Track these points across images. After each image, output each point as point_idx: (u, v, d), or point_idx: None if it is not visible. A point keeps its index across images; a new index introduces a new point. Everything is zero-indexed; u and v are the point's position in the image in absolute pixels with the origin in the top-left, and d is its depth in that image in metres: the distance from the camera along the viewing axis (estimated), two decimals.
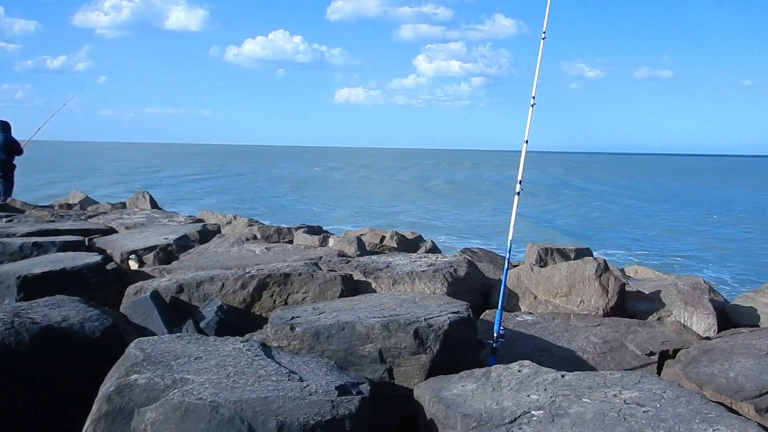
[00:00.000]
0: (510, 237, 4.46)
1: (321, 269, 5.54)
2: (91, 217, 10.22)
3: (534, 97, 4.55)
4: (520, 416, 2.95)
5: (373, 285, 5.52)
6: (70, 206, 12.78)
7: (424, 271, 5.64)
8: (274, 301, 5.11)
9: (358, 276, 5.62)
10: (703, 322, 5.22)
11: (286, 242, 8.30)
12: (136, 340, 3.55)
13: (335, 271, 5.54)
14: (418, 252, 8.82)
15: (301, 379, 3.10)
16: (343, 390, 3.02)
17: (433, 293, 5.24)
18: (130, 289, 5.13)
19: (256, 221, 10.86)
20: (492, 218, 34.11)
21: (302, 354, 3.70)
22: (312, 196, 47.24)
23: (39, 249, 6.44)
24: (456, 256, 6.94)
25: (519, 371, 3.50)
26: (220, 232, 8.56)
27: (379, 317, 3.94)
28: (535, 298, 5.75)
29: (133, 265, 6.70)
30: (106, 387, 3.02)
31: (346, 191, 52.65)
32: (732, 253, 24.59)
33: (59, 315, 3.99)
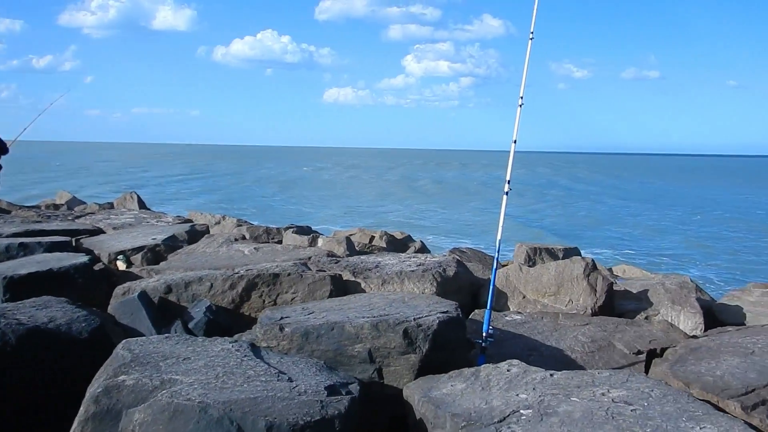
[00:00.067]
0: (499, 237, 4.48)
1: (310, 269, 5.53)
2: (78, 217, 10.15)
3: (522, 98, 4.56)
4: (509, 415, 2.96)
5: (363, 285, 5.52)
6: (56, 206, 12.69)
7: (413, 271, 5.65)
8: (263, 301, 5.10)
9: (347, 276, 5.62)
10: (690, 321, 5.26)
11: (275, 242, 8.28)
12: (124, 340, 3.53)
13: (324, 271, 5.53)
14: (408, 252, 8.83)
15: (290, 380, 3.09)
16: (332, 390, 3.02)
17: (423, 293, 5.25)
18: (118, 290, 5.10)
19: (245, 221, 10.83)
20: (479, 218, 34.21)
21: (291, 354, 3.69)
22: (300, 196, 47.15)
23: (25, 250, 6.39)
24: (445, 255, 6.95)
25: (508, 370, 3.51)
26: (208, 232, 8.53)
27: (368, 317, 3.94)
28: (524, 297, 5.77)
29: (121, 265, 6.66)
30: (94, 388, 3.00)
31: (334, 191, 52.61)
32: (717, 251, 24.80)
33: (46, 316, 3.96)
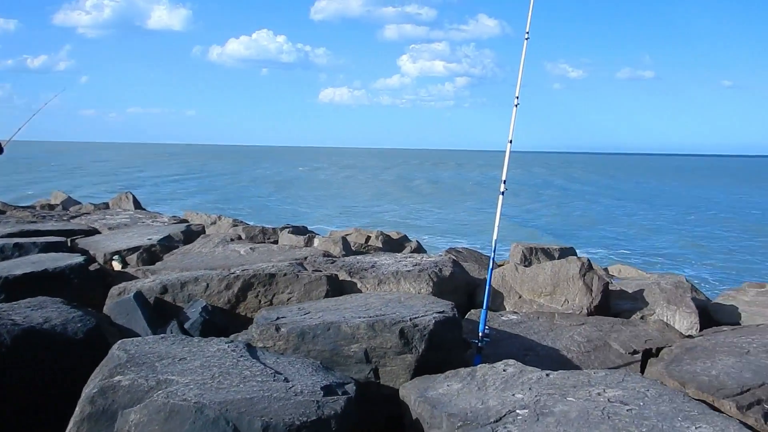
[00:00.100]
0: (495, 237, 4.47)
1: (306, 269, 5.53)
2: (73, 217, 10.13)
3: (518, 97, 4.56)
4: (505, 415, 2.96)
5: (359, 285, 5.51)
6: (51, 207, 12.65)
7: (409, 271, 5.65)
8: (259, 301, 5.09)
9: (343, 276, 5.61)
10: (685, 321, 5.27)
11: (271, 242, 8.27)
12: (119, 341, 3.52)
13: (320, 271, 5.53)
14: (404, 252, 8.82)
15: (286, 380, 3.09)
16: (328, 390, 3.02)
17: (419, 293, 5.25)
18: (114, 290, 5.09)
19: (241, 221, 10.81)
20: (475, 217, 34.23)
21: (287, 354, 3.69)
22: (296, 196, 47.11)
23: (20, 250, 6.37)
24: (441, 255, 6.96)
25: (504, 370, 3.51)
26: (204, 232, 8.52)
27: (364, 317, 3.93)
28: (520, 297, 5.78)
29: (117, 265, 6.64)
30: (90, 388, 2.99)
31: (330, 191, 52.58)
32: (712, 251, 24.87)
33: (41, 316, 3.95)
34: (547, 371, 3.49)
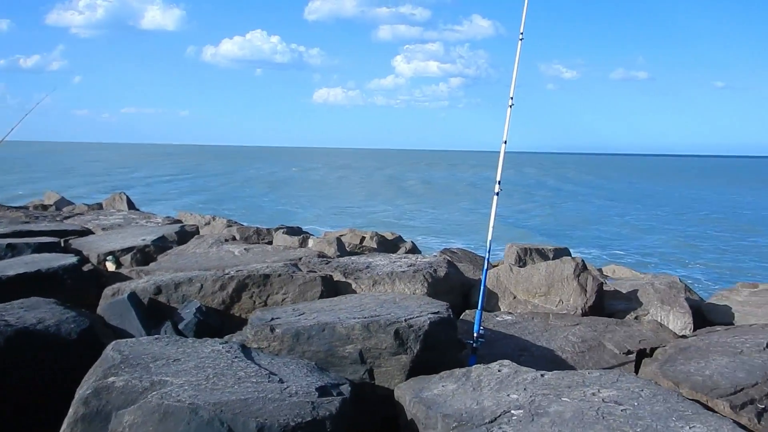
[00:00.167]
0: (489, 237, 4.47)
1: (301, 270, 5.52)
2: (66, 218, 10.08)
3: (512, 98, 4.56)
4: (500, 416, 2.97)
5: (354, 286, 5.51)
6: (45, 207, 12.59)
7: (404, 271, 5.64)
8: (254, 302, 5.08)
9: (338, 277, 5.61)
10: (679, 321, 5.29)
11: (265, 243, 8.26)
12: (113, 342, 3.51)
13: (315, 272, 5.52)
14: (398, 252, 8.82)
15: (281, 381, 3.09)
16: (323, 391, 3.02)
17: (414, 294, 5.25)
18: (108, 291, 5.07)
19: (235, 222, 10.78)
20: (469, 218, 34.28)
21: (282, 355, 3.68)
22: (290, 196, 47.06)
23: (13, 250, 6.34)
24: (436, 256, 6.96)
25: (499, 371, 3.52)
26: (198, 233, 8.49)
27: (359, 318, 3.93)
28: (515, 297, 5.79)
29: (110, 266, 6.62)
30: (83, 390, 2.98)
31: (324, 192, 52.55)
32: (705, 251, 24.97)
33: (34, 317, 3.93)
34: (542, 372, 3.49)
